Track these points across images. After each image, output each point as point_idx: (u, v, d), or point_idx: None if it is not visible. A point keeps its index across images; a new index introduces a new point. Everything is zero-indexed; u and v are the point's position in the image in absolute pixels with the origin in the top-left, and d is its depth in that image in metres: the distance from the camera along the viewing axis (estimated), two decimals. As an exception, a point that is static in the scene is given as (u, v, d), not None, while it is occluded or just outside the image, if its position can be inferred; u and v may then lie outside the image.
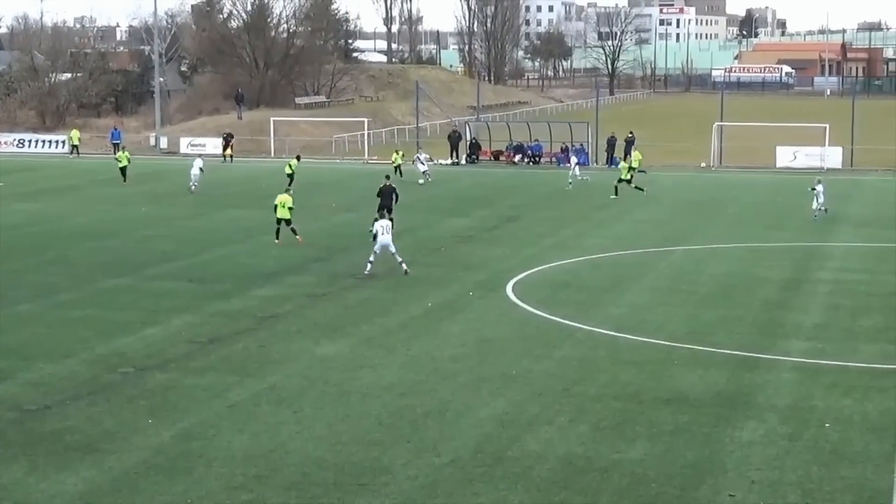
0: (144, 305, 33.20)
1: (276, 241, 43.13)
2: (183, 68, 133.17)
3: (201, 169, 61.88)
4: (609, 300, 34.20)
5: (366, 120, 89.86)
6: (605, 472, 19.92)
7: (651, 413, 23.18)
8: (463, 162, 79.64)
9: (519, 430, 22.15)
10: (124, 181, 64.15)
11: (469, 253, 42.14)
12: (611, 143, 77.71)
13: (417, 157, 67.47)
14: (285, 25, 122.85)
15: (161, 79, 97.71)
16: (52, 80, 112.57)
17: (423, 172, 65.34)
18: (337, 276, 37.72)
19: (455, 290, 35.34)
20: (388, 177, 48.15)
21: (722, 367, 26.52)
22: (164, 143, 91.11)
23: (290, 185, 58.01)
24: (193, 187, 60.47)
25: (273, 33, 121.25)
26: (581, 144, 79.29)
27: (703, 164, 76.57)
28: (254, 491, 19.05)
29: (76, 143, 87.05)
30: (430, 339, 29.45)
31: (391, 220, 40.84)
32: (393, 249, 36.80)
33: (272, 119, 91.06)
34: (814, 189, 49.61)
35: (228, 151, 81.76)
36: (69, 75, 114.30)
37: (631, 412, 23.25)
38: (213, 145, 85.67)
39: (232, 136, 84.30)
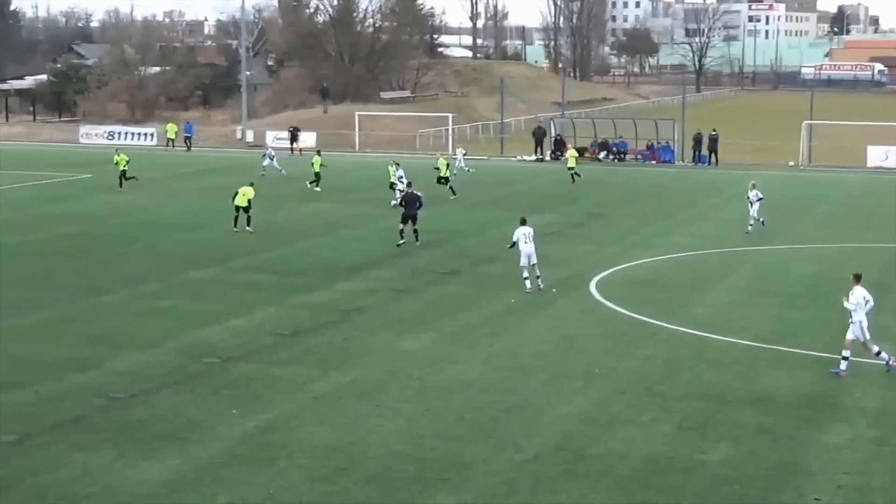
0: (229, 297, 33.49)
1: (235, 228, 44.63)
2: (269, 62, 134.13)
3: (271, 157, 66.03)
4: (693, 299, 33.93)
5: (450, 115, 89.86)
6: (688, 473, 19.77)
7: (735, 414, 22.97)
8: (547, 158, 79.38)
9: (601, 428, 22.05)
10: (120, 186, 58.75)
11: (553, 250, 41.92)
12: (697, 141, 77.06)
13: (456, 155, 67.35)
14: (371, 20, 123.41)
15: (248, 73, 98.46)
16: (142, 73, 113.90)
17: (460, 169, 65.03)
18: (420, 270, 37.77)
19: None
20: (410, 184, 46.30)
21: (808, 369, 26.21)
22: (250, 136, 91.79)
23: (315, 182, 58.34)
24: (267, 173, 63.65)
25: (359, 28, 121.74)
26: (667, 142, 78.79)
27: (791, 164, 75.66)
28: (335, 483, 19.14)
29: (172, 136, 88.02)
30: (513, 335, 29.40)
31: (416, 230, 40.94)
32: (535, 260, 34.18)
33: (357, 113, 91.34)
34: None
35: (297, 145, 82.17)
36: (158, 69, 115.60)
37: (714, 412, 23.05)
38: (301, 139, 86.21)
39: (299, 130, 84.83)
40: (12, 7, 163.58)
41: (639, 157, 78.73)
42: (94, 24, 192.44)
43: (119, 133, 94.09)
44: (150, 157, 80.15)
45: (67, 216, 49.85)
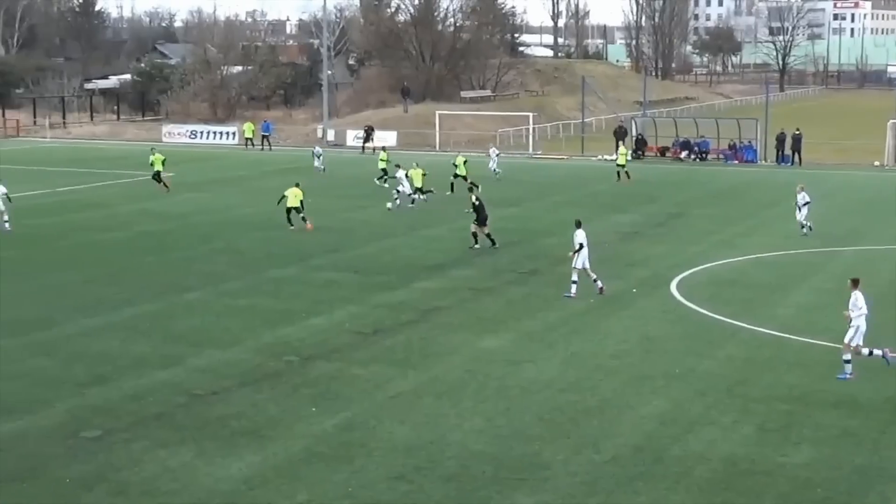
0: (309, 295, 33.66)
1: (291, 226, 45.46)
2: (350, 62, 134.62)
3: (318, 156, 67.45)
4: (775, 300, 33.57)
5: (531, 114, 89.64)
6: (769, 475, 19.55)
7: (818, 416, 22.69)
8: (629, 157, 78.93)
9: (681, 429, 21.88)
10: (160, 183, 58.16)
11: (633, 249, 41.75)
12: (780, 140, 76.24)
13: (490, 153, 66.90)
14: (452, 20, 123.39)
15: (329, 72, 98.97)
16: (224, 72, 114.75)
17: (494, 171, 64.67)
18: (499, 270, 37.72)
19: (618, 286, 35.02)
20: (471, 189, 44.62)
21: (893, 372, 25.79)
22: (331, 135, 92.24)
23: (383, 178, 58.58)
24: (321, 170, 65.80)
25: (440, 27, 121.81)
26: (749, 141, 78.07)
27: (876, 163, 74.63)
28: (413, 482, 19.16)
29: (249, 135, 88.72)
30: (592, 335, 29.27)
31: (489, 236, 40.81)
32: (588, 264, 33.68)
33: (437, 112, 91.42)
34: None
35: (370, 144, 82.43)
36: (240, 68, 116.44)
37: (797, 414, 22.78)
38: (379, 138, 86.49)
39: (373, 129, 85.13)
40: (97, 7, 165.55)
41: (721, 156, 78.07)
42: (178, 24, 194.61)
43: (201, 132, 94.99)
44: (231, 156, 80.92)
45: (150, 214, 50.40)
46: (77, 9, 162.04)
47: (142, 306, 32.13)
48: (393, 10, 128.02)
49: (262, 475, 19.45)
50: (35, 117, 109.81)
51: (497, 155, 66.54)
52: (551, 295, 33.60)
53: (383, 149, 66.93)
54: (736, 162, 76.53)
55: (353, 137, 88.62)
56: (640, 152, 79.20)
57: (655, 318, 31.12)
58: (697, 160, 77.89)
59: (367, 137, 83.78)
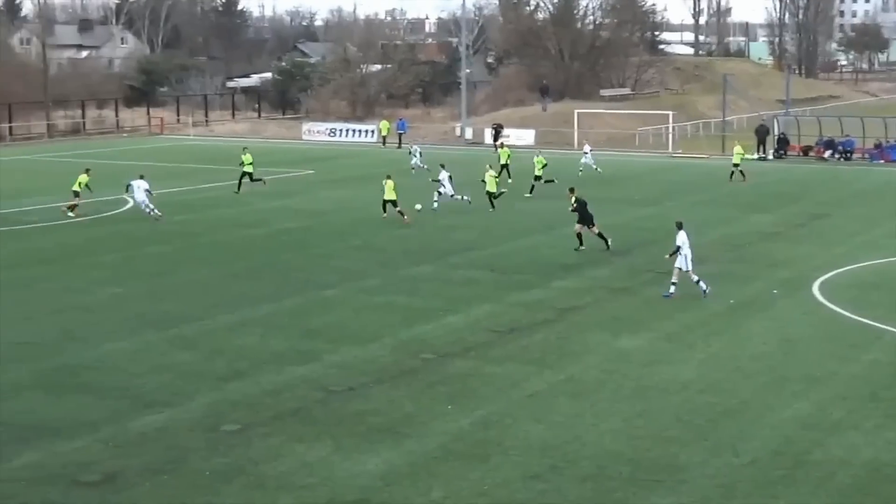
0: (446, 293, 33.72)
1: (384, 214, 47.19)
2: (489, 60, 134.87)
3: (416, 155, 66.90)
4: (922, 303, 32.73)
5: (670, 113, 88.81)
6: (914, 482, 19.08)
7: (965, 423, 22.06)
8: (770, 157, 77.69)
9: (822, 433, 21.43)
10: (253, 181, 57.49)
11: (774, 250, 41.07)
12: (928, 140, 74.46)
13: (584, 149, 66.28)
14: (591, 17, 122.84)
15: (467, 70, 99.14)
16: (364, 71, 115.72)
17: (586, 165, 64.68)
18: (636, 270, 37.40)
19: (758, 287, 34.51)
20: (572, 189, 43.06)
21: None
22: (469, 133, 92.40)
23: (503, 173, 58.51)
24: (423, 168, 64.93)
25: (579, 25, 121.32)
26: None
27: None
28: (549, 481, 19.06)
29: (385, 133, 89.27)
30: (731, 336, 28.85)
31: (602, 237, 40.35)
32: (690, 266, 33.38)
33: (576, 111, 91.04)
34: None
35: (500, 142, 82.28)
36: (379, 66, 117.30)
37: (944, 421, 22.18)
38: (517, 136, 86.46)
39: (502, 127, 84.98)
40: (240, 7, 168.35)
41: (866, 156, 76.40)
42: (318, 23, 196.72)
43: (340, 130, 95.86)
44: (369, 154, 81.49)
45: (289, 211, 51.01)
46: (220, 8, 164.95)
47: (281, 302, 32.51)
48: (532, 8, 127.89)
49: (398, 471, 19.52)
50: (178, 115, 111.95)
51: (591, 150, 66.96)
52: (689, 295, 33.16)
53: (502, 145, 66.95)
54: (882, 162, 74.82)
55: (491, 136, 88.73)
56: (782, 152, 77.92)
57: (796, 320, 30.56)
58: (841, 160, 76.33)
59: (497, 135, 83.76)
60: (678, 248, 33.08)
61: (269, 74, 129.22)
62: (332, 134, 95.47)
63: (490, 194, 50.96)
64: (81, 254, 40.52)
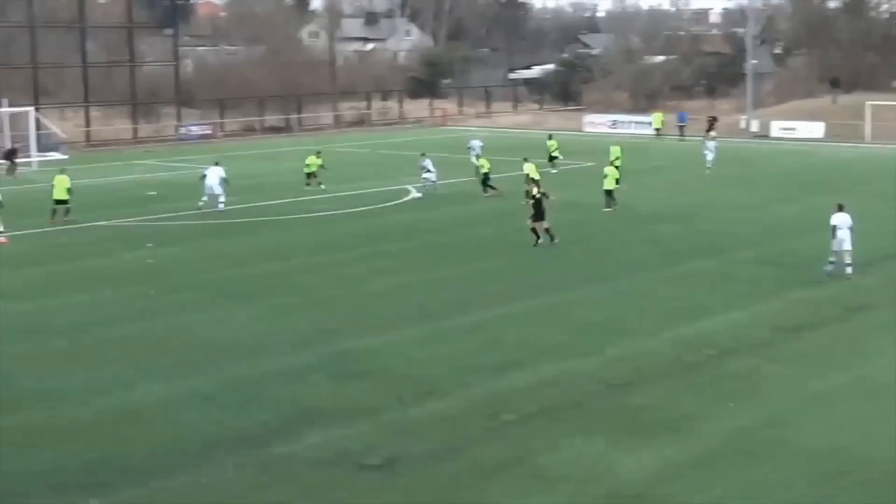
0: (729, 289, 33.06)
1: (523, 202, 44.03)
2: (776, 51, 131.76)
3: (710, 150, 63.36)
4: None
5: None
6: None
7: None
8: None
9: None
10: (485, 193, 53.61)
11: None
12: None
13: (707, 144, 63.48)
14: (886, 6, 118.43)
15: (753, 61, 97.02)
16: (646, 62, 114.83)
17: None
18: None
19: None
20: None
21: None
22: (754, 126, 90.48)
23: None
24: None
25: (873, 14, 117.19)
26: None
27: None
28: (836, 485, 18.41)
29: (658, 126, 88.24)
30: None
31: (547, 231, 39.58)
32: (847, 247, 33.52)
33: (868, 103, 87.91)
34: None
35: (713, 133, 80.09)
36: (662, 58, 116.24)
37: None
38: (806, 130, 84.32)
39: (716, 119, 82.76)
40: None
41: None
42: (601, 14, 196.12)
43: (621, 122, 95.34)
44: (650, 147, 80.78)
45: (570, 203, 50.88)
46: (502, 0, 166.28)
47: (561, 294, 32.49)
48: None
49: (677, 468, 19.20)
50: (461, 107, 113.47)
51: (714, 146, 64.12)
52: None
53: (549, 136, 65.50)
54: None
55: (778, 129, 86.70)
56: None
57: None
58: None
59: (710, 127, 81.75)
60: (834, 228, 33.70)
61: (551, 66, 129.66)
62: (613, 126, 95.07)
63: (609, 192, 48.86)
64: (365, 242, 41.43)
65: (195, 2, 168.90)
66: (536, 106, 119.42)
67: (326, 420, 21.49)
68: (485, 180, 52.94)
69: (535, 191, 40.52)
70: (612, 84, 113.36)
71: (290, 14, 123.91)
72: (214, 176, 48.90)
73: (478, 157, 60.04)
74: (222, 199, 48.52)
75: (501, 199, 51.46)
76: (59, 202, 45.46)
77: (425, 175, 52.77)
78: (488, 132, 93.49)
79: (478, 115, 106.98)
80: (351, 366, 25.22)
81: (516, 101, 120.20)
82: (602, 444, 20.21)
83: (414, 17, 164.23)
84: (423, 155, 54.44)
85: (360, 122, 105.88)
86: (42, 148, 73.54)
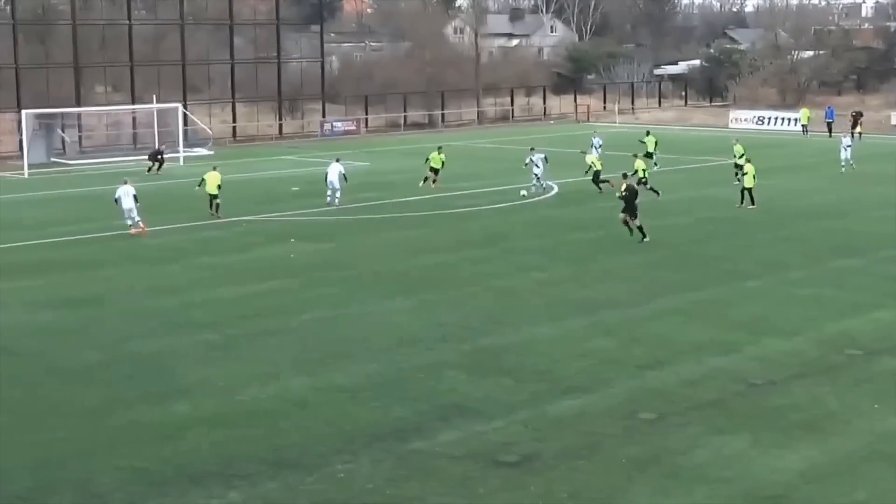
0: (876, 288, 32.38)
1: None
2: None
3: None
4: None
5: None
6: None
7: None
8: None
9: None
10: (599, 190, 52.32)
11: None
12: None
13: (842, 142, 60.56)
14: None
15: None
16: (795, 57, 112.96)
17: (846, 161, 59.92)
18: None
19: None
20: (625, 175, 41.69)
21: None
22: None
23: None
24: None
25: None
26: None
27: None
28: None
29: (805, 122, 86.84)
30: None
31: (640, 229, 39.07)
32: None
33: None
34: None
35: (858, 129, 78.00)
36: (811, 53, 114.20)
37: None
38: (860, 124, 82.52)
39: (861, 115, 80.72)
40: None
41: None
42: (749, 8, 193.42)
43: (768, 118, 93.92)
44: (796, 143, 79.45)
45: (712, 200, 50.37)
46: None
47: (702, 292, 32.16)
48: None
49: (819, 469, 18.87)
50: (605, 103, 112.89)
51: (848, 146, 61.57)
52: None
53: (647, 133, 63.25)
54: None
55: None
56: None
57: None
58: None
59: (855, 123, 79.78)
60: None
61: (696, 61, 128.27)
62: (759, 122, 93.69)
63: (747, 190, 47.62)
64: (507, 238, 41.47)
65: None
66: (681, 102, 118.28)
67: (464, 416, 21.56)
68: (595, 178, 52.20)
69: (624, 186, 40.29)
70: (759, 80, 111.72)
71: (436, 10, 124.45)
72: (335, 172, 49.79)
73: (592, 153, 57.75)
74: (338, 195, 49.39)
75: (647, 195, 51.12)
76: (211, 197, 46.47)
77: (535, 171, 52.10)
78: (632, 129, 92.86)
79: (622, 112, 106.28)
80: (489, 362, 25.26)
81: (661, 97, 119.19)
82: (741, 444, 19.95)
83: (559, 13, 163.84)
84: (532, 150, 54.03)
85: (504, 118, 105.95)
86: (189, 144, 75.09)
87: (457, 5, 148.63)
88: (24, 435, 20.71)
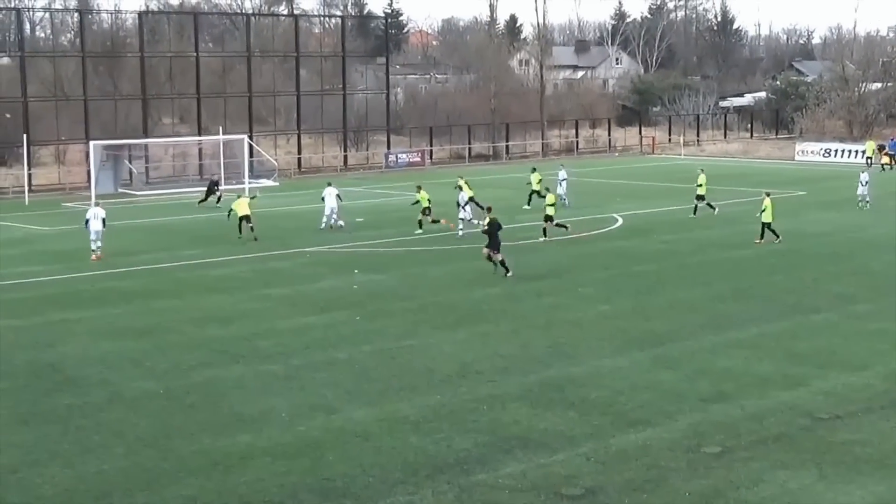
0: (939, 321, 31.99)
1: None
2: None
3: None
4: None
5: None
6: None
7: None
8: None
9: None
10: (696, 211, 54.16)
11: None
12: None
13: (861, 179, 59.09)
14: None
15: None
16: (862, 89, 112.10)
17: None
18: None
19: None
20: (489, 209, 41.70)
21: None
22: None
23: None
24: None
25: None
26: None
27: None
28: None
29: (870, 154, 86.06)
30: None
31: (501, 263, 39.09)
32: None
33: None
34: None
35: (885, 160, 77.08)
36: (879, 85, 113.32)
37: None
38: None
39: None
40: (735, 26, 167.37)
41: None
42: (815, 40, 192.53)
43: (835, 150, 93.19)
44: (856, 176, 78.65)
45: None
46: (715, 28, 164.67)
47: (767, 325, 31.88)
48: None
49: (887, 506, 18.64)
50: (670, 135, 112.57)
51: (867, 181, 60.35)
52: None
53: (701, 170, 61.09)
54: None
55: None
56: None
57: None
58: None
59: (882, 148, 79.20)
60: None
61: (762, 94, 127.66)
62: (826, 154, 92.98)
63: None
64: (571, 270, 41.37)
65: (408, 31, 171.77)
66: (747, 134, 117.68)
67: (527, 448, 21.48)
68: (547, 219, 51.43)
69: (486, 220, 40.52)
70: (826, 111, 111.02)
71: (501, 42, 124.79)
72: (331, 196, 52.28)
73: (698, 186, 56.47)
74: (335, 216, 52.08)
75: (712, 228, 50.83)
76: (242, 218, 49.03)
77: (559, 190, 52.82)
78: (697, 161, 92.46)
79: (687, 144, 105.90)
80: (552, 394, 25.17)
81: (727, 129, 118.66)
82: (807, 479, 19.73)
83: (625, 45, 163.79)
84: (562, 166, 54.46)
85: (568, 150, 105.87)
86: (254, 175, 75.64)
87: (522, 37, 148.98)
88: (88, 463, 20.86)
